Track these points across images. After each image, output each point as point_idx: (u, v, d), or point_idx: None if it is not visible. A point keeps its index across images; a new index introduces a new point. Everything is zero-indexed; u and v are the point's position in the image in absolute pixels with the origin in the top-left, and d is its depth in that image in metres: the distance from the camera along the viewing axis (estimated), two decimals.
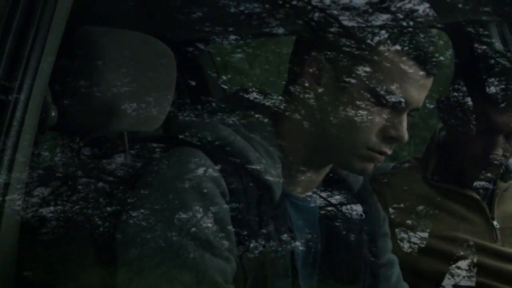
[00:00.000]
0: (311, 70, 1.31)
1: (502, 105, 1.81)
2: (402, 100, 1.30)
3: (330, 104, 1.30)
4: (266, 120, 1.34)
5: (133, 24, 1.51)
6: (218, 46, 2.65)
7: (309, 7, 1.41)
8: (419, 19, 1.43)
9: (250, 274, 1.24)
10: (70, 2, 1.21)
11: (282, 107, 1.33)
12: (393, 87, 1.29)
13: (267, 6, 1.52)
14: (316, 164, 1.35)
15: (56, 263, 1.28)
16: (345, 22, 1.37)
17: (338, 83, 1.29)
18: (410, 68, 1.29)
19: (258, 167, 1.27)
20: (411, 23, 1.40)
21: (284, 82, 1.36)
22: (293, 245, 1.31)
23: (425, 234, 1.79)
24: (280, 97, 1.36)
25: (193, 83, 2.60)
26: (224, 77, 2.76)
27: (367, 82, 1.29)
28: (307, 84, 1.31)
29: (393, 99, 1.29)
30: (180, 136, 1.27)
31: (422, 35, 1.33)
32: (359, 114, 1.29)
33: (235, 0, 1.60)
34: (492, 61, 1.90)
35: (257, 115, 1.34)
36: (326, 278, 1.38)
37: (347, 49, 1.31)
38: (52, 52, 1.19)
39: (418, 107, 1.34)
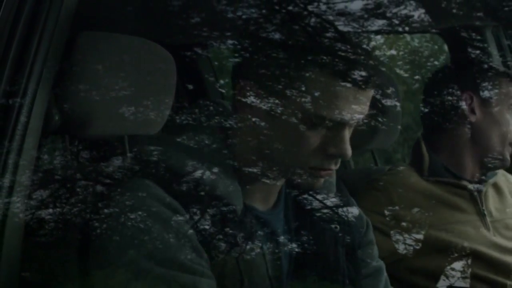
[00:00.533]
0: (242, 94, 1.29)
1: (496, 109, 1.85)
2: (335, 119, 1.25)
3: (265, 126, 1.27)
4: (218, 135, 1.32)
5: (133, 29, 1.52)
6: (216, 50, 2.67)
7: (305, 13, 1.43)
8: (414, 25, 1.44)
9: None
10: (73, 9, 1.23)
11: (229, 122, 1.33)
12: (324, 108, 1.24)
13: (264, 11, 1.53)
14: (270, 178, 1.32)
15: (59, 265, 1.29)
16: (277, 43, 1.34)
17: (268, 108, 1.27)
18: (339, 86, 1.24)
19: (213, 186, 1.24)
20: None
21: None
22: (263, 258, 1.29)
23: (427, 227, 1.82)
24: (230, 112, 1.35)
25: (192, 87, 2.62)
26: (222, 81, 2.78)
27: (297, 105, 1.25)
28: (241, 106, 1.30)
29: (326, 119, 1.25)
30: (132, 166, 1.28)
31: (350, 51, 1.29)
32: (293, 136, 1.26)
33: (232, 5, 1.62)
34: (485, 65, 1.93)
35: (210, 130, 1.32)
36: None
37: (275, 72, 1.27)
38: (55, 57, 1.21)
39: (358, 120, 1.28)
